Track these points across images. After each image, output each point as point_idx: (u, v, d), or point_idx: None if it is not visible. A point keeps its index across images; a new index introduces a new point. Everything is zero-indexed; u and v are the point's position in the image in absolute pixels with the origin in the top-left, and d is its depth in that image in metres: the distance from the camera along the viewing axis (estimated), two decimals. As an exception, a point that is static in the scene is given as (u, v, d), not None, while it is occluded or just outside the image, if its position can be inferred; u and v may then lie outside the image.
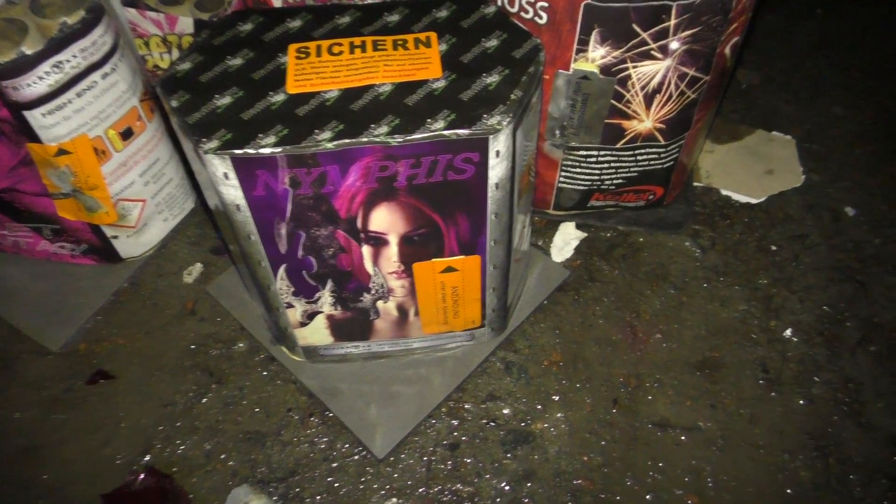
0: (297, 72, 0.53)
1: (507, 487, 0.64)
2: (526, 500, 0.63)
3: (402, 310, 0.65)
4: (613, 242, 0.81)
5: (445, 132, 0.48)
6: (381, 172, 0.50)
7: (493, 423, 0.68)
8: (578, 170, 0.74)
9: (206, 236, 0.84)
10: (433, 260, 0.59)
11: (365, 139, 0.48)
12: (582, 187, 0.76)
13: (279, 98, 0.51)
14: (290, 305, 0.63)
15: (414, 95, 0.51)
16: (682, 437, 0.67)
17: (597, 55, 0.62)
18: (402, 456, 0.66)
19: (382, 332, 0.68)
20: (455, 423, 0.68)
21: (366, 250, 0.57)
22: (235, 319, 0.75)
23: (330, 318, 0.65)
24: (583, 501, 0.63)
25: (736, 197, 0.85)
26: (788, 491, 0.64)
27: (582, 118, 0.68)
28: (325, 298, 0.62)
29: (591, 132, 0.70)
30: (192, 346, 0.74)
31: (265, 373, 0.71)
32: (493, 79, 0.51)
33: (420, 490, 0.64)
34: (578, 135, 0.70)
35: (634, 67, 0.63)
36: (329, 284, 0.61)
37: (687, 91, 0.66)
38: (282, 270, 0.59)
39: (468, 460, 0.66)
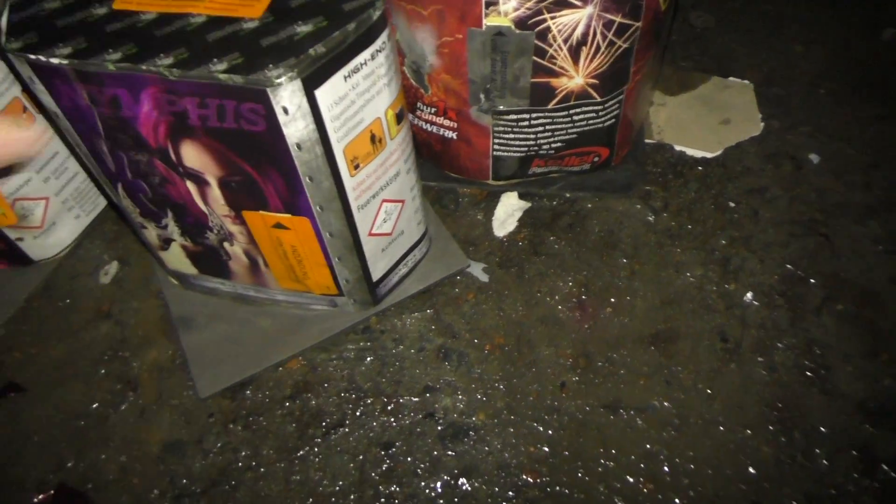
0: None
1: (445, 486, 0.59)
2: (466, 499, 0.59)
3: (250, 257, 0.61)
4: (559, 211, 0.75)
5: (221, 75, 0.43)
6: (171, 106, 0.47)
7: (429, 417, 0.63)
8: (511, 135, 0.68)
9: (123, 232, 0.78)
10: (261, 212, 0.55)
11: (144, 67, 0.45)
12: (518, 154, 0.70)
13: (100, 11, 0.48)
14: (143, 226, 0.61)
15: (220, 31, 0.46)
16: (636, 420, 0.62)
17: (509, 7, 0.56)
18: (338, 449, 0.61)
19: (241, 277, 0.65)
20: (389, 419, 0.63)
21: (191, 186, 0.54)
22: (151, 322, 0.70)
23: (185, 248, 0.62)
24: (529, 496, 0.58)
25: (690, 152, 0.79)
26: (751, 469, 0.59)
27: (505, 79, 0.62)
28: (173, 227, 0.60)
29: (518, 93, 0.63)
30: (107, 353, 0.68)
31: (182, 378, 0.66)
32: (304, 28, 0.46)
33: (352, 497, 0.59)
34: (505, 97, 0.64)
35: (553, 18, 0.57)
36: (170, 213, 0.58)
37: (617, 40, 0.60)
38: (120, 189, 0.57)
39: (403, 458, 0.61)
